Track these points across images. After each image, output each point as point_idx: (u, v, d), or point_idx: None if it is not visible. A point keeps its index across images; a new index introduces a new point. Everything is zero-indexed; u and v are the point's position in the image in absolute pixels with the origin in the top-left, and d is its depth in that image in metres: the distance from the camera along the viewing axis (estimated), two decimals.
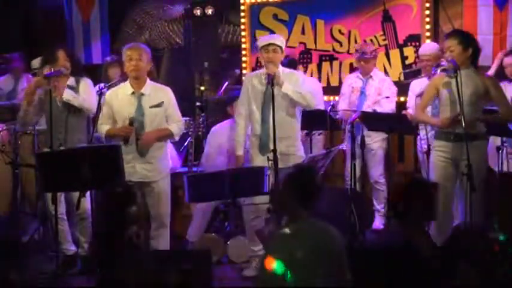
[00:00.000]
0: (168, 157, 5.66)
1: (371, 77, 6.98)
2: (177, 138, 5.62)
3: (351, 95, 7.02)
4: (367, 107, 6.79)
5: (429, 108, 5.82)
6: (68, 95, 5.63)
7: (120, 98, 5.42)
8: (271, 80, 5.42)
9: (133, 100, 5.42)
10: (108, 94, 5.46)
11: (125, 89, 5.46)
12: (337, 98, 7.70)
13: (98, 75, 6.92)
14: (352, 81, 7.11)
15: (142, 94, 5.43)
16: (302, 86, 5.67)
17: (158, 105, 5.45)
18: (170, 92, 5.60)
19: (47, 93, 5.49)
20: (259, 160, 5.62)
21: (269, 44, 5.64)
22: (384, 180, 6.99)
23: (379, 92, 6.91)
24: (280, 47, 5.65)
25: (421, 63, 6.66)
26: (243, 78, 5.93)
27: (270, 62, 5.57)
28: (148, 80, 5.52)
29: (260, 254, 5.64)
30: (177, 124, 5.53)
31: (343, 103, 7.03)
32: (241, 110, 5.83)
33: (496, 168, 6.08)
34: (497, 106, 5.28)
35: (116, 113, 5.41)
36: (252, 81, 5.76)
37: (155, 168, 5.43)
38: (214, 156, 6.57)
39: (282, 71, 5.68)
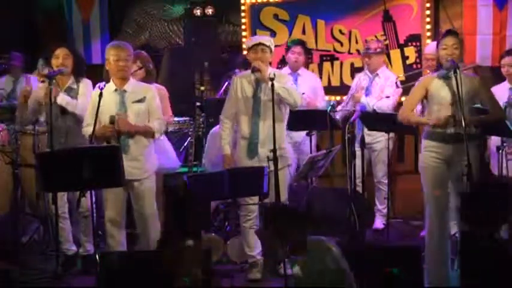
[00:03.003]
0: (154, 157, 5.59)
1: (377, 74, 6.99)
2: (157, 135, 5.53)
3: (356, 91, 7.03)
4: (367, 101, 6.80)
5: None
6: (61, 99, 5.60)
7: (104, 96, 5.32)
8: (271, 80, 5.40)
9: (116, 97, 5.39)
10: (93, 94, 5.42)
11: (107, 87, 5.40)
12: (337, 98, 7.73)
13: (98, 75, 6.91)
14: (360, 79, 7.13)
15: (124, 91, 5.41)
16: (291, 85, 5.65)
17: (141, 101, 5.42)
18: (153, 90, 5.57)
19: (47, 94, 5.49)
20: (247, 164, 5.61)
21: (258, 44, 5.62)
22: (387, 180, 6.99)
23: (382, 89, 6.92)
24: (269, 47, 5.64)
25: (427, 63, 6.66)
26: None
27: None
28: (131, 79, 5.51)
29: (258, 258, 5.65)
30: (158, 121, 5.49)
31: (346, 100, 7.04)
32: (228, 110, 5.80)
33: (496, 169, 6.08)
34: (487, 106, 5.20)
35: (100, 112, 5.30)
36: (242, 82, 5.73)
37: (141, 167, 5.39)
38: (215, 157, 6.57)
39: (271, 71, 5.64)
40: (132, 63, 5.60)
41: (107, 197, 5.40)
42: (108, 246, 5.45)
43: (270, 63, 5.80)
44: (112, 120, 5.28)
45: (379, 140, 6.90)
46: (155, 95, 5.54)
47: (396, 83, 6.86)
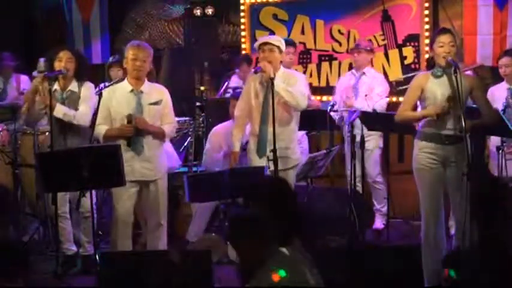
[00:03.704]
0: (165, 157, 5.61)
1: (364, 73, 6.98)
2: (167, 139, 5.54)
3: (342, 92, 7.02)
4: (359, 103, 6.79)
5: None
6: (57, 111, 5.58)
7: (118, 96, 5.36)
8: (271, 80, 5.42)
9: (132, 98, 5.37)
10: (105, 93, 5.37)
11: (123, 87, 5.40)
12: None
13: (98, 75, 6.91)
14: (345, 79, 7.14)
15: (141, 92, 5.39)
16: (297, 87, 5.64)
17: (157, 103, 5.41)
18: (167, 93, 5.58)
19: (46, 96, 5.48)
20: (257, 162, 5.62)
21: (265, 44, 5.63)
22: (382, 179, 6.99)
23: (370, 87, 6.91)
24: (278, 47, 5.63)
25: None
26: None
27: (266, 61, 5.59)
28: (146, 80, 5.50)
29: None
30: (169, 125, 5.48)
31: (334, 99, 7.05)
32: (241, 106, 5.82)
33: (496, 169, 6.08)
34: (479, 107, 5.17)
35: (114, 112, 5.33)
36: (255, 81, 5.75)
37: (154, 167, 5.39)
38: (214, 155, 6.58)
39: (283, 71, 5.66)
40: (151, 64, 5.57)
41: (119, 197, 5.36)
42: (116, 247, 5.42)
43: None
44: (130, 120, 5.28)
45: (370, 139, 6.88)
46: (169, 98, 5.54)
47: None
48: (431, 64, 5.15)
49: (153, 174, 5.39)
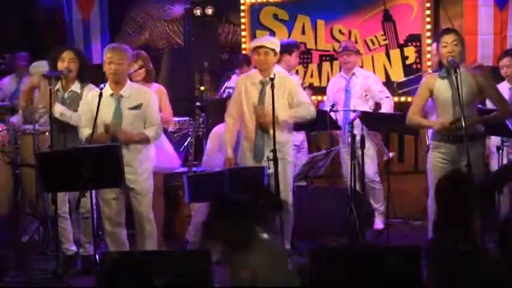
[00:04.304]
0: (150, 158, 5.51)
1: (354, 74, 6.95)
2: (153, 142, 5.45)
3: (336, 95, 7.00)
4: (353, 105, 6.77)
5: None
6: (56, 110, 5.56)
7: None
8: (270, 81, 5.41)
9: (112, 102, 5.32)
10: (90, 96, 5.37)
11: (105, 90, 5.31)
12: None
13: (98, 75, 6.89)
14: (335, 82, 7.11)
15: (121, 96, 5.34)
16: (296, 95, 5.62)
17: (137, 107, 5.33)
18: (151, 94, 5.50)
19: (44, 94, 5.48)
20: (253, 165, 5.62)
21: (260, 47, 5.61)
22: (379, 178, 6.97)
23: (365, 88, 6.88)
24: (273, 50, 5.61)
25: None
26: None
27: (262, 64, 5.58)
28: (128, 82, 5.44)
29: None
30: (153, 128, 5.40)
31: (327, 104, 7.04)
32: (231, 110, 5.79)
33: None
34: (493, 103, 5.21)
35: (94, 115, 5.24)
36: (246, 85, 5.72)
37: (135, 171, 5.32)
38: (214, 155, 6.57)
39: (277, 73, 5.63)
40: (129, 66, 5.53)
41: (104, 198, 5.37)
42: (107, 245, 5.45)
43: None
44: (107, 129, 5.24)
45: (366, 138, 6.86)
46: (152, 100, 5.47)
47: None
48: (441, 65, 5.21)
49: (133, 178, 5.32)
